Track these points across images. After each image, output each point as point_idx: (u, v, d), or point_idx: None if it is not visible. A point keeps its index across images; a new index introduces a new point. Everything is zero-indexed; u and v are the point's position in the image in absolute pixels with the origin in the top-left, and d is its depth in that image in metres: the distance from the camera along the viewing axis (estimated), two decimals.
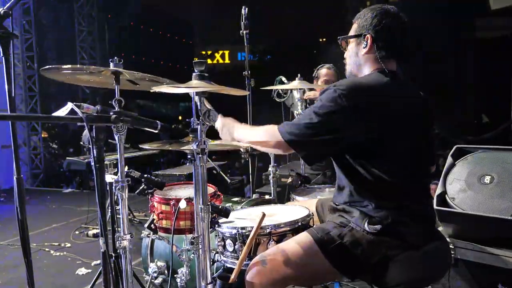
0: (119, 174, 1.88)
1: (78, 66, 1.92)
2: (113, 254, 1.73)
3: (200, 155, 1.54)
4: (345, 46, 1.74)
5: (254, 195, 2.92)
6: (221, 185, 2.42)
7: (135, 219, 4.71)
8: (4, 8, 1.38)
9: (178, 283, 2.23)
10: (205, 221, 1.57)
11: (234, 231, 1.69)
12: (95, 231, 4.37)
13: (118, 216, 1.95)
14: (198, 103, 1.58)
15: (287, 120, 1.62)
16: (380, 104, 1.51)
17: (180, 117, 15.75)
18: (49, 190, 7.84)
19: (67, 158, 5.54)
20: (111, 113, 1.62)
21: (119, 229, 1.89)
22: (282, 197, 3.01)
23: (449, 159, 2.45)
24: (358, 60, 1.67)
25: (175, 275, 2.25)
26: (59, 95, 9.55)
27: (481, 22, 8.26)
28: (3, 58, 1.41)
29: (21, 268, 1.45)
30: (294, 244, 1.56)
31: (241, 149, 2.83)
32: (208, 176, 1.58)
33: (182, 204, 1.88)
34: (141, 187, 2.05)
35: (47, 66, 1.82)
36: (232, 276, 1.55)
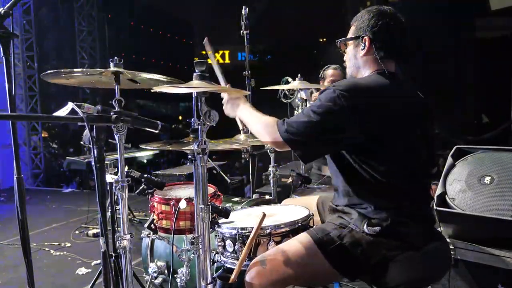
0: (119, 174, 1.88)
1: (78, 69, 1.92)
2: (113, 254, 1.73)
3: (201, 155, 1.54)
4: (344, 49, 1.74)
5: (254, 195, 2.92)
6: (221, 185, 2.42)
7: (135, 219, 4.71)
8: (5, 8, 1.38)
9: (178, 283, 2.23)
10: (205, 221, 1.57)
11: (234, 232, 1.69)
12: (95, 231, 4.37)
13: (118, 216, 1.95)
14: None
15: None
16: (379, 105, 1.51)
17: (180, 117, 15.75)
18: (49, 190, 7.85)
19: (67, 158, 5.55)
20: (111, 113, 1.62)
21: (119, 229, 1.89)
22: (283, 198, 3.01)
23: (449, 160, 2.45)
24: (357, 62, 1.68)
25: (175, 275, 2.25)
26: (59, 95, 9.55)
27: (481, 22, 8.24)
28: (3, 57, 1.41)
29: (21, 268, 1.45)
30: (294, 245, 1.56)
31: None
32: (208, 176, 1.59)
33: (182, 204, 1.88)
34: (141, 187, 2.05)
35: (47, 72, 1.84)
36: (232, 277, 1.55)
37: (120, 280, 1.74)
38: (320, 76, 3.30)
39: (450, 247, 2.24)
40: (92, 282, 2.27)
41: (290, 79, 2.92)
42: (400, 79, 1.64)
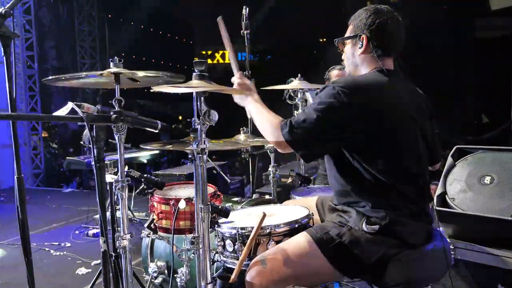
0: (119, 174, 1.88)
1: (78, 74, 1.93)
2: (113, 254, 1.73)
3: (200, 155, 1.54)
4: (342, 48, 1.75)
5: (254, 195, 2.92)
6: (221, 185, 2.42)
7: (135, 219, 4.71)
8: (5, 7, 1.38)
9: (178, 283, 2.23)
10: (205, 221, 1.57)
11: (234, 231, 1.69)
12: (95, 230, 4.37)
13: (118, 216, 1.95)
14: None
15: None
16: (378, 101, 1.52)
17: (180, 117, 15.75)
18: (49, 190, 7.84)
19: (67, 157, 5.54)
20: (111, 113, 1.62)
21: (119, 229, 1.89)
22: (283, 198, 3.01)
23: (449, 160, 2.46)
24: (355, 60, 1.69)
25: (175, 275, 2.25)
26: (59, 95, 9.56)
27: (481, 22, 8.25)
28: (3, 57, 1.41)
29: (21, 268, 1.45)
30: (293, 244, 1.56)
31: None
32: (208, 176, 1.59)
33: (182, 204, 1.89)
34: (141, 187, 2.05)
35: (49, 77, 1.87)
36: (232, 276, 1.55)
37: (120, 280, 1.74)
38: (325, 77, 3.30)
39: (450, 247, 2.24)
40: (92, 282, 2.27)
41: (295, 80, 2.91)
42: (399, 76, 1.64)
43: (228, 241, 1.71)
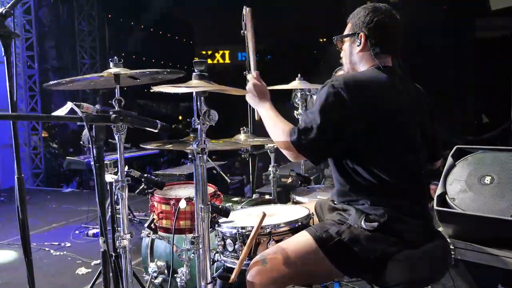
0: (119, 174, 1.88)
1: (78, 77, 1.93)
2: (113, 254, 1.73)
3: (200, 155, 1.54)
4: (341, 46, 1.76)
5: (254, 195, 2.92)
6: (221, 185, 2.42)
7: (135, 219, 4.71)
8: (6, 7, 1.38)
9: (178, 283, 2.23)
10: (205, 221, 1.57)
11: (234, 231, 1.69)
12: (95, 230, 4.37)
13: (118, 215, 1.95)
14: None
15: None
16: (377, 98, 1.52)
17: (180, 117, 15.76)
18: (49, 190, 7.84)
19: (67, 157, 5.54)
20: (111, 113, 1.62)
21: (119, 228, 1.89)
22: (283, 198, 3.01)
23: (449, 160, 2.45)
24: (353, 58, 1.69)
25: (175, 275, 2.25)
26: (59, 95, 9.56)
27: (481, 22, 8.25)
28: (4, 57, 1.41)
29: (21, 268, 1.45)
30: (293, 243, 1.57)
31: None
32: (208, 176, 1.59)
33: (182, 204, 1.89)
34: (141, 187, 2.05)
35: (50, 82, 1.89)
36: (233, 276, 1.55)
37: (120, 280, 1.74)
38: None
39: (450, 247, 2.24)
40: (92, 282, 2.27)
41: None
42: (397, 74, 1.65)
43: (228, 241, 1.71)
